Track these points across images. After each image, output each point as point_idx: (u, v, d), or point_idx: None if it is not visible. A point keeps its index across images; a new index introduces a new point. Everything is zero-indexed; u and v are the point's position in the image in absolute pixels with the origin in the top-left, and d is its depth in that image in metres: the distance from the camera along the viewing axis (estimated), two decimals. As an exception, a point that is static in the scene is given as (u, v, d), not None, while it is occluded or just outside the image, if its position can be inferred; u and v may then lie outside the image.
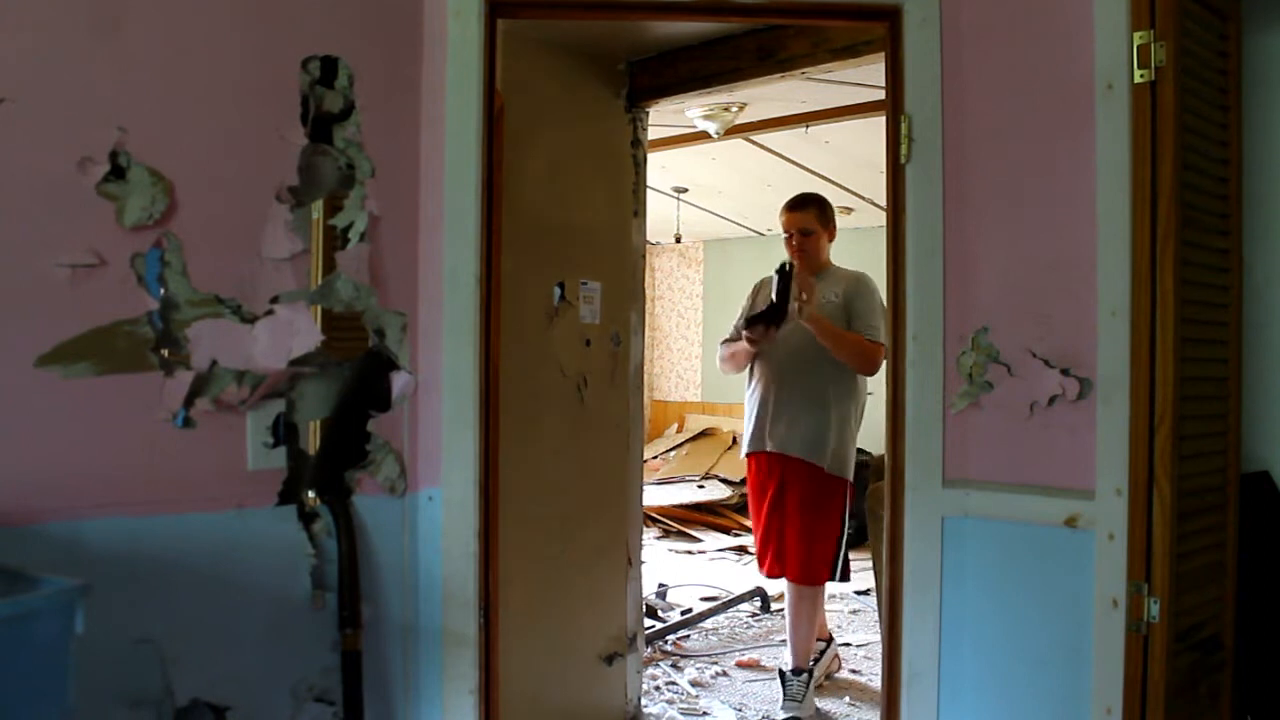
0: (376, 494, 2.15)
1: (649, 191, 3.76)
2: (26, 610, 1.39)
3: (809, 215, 3.69)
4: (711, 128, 4.70)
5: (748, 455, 3.74)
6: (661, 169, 6.22)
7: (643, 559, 3.80)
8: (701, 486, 7.55)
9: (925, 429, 2.18)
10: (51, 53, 1.74)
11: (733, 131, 4.87)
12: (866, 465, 4.21)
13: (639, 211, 3.60)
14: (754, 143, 5.51)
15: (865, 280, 3.63)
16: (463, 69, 2.19)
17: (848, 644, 4.47)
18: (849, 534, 3.61)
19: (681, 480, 7.69)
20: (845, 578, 3.69)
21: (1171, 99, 1.81)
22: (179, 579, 1.86)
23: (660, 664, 4.16)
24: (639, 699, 3.59)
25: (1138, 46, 1.84)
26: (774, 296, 3.48)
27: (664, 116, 4.31)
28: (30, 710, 1.39)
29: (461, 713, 2.18)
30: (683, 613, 4.80)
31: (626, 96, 3.52)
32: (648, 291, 3.83)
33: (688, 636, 4.56)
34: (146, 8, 1.85)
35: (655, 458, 8.29)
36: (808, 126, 4.81)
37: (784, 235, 3.70)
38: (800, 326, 3.46)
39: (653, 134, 3.86)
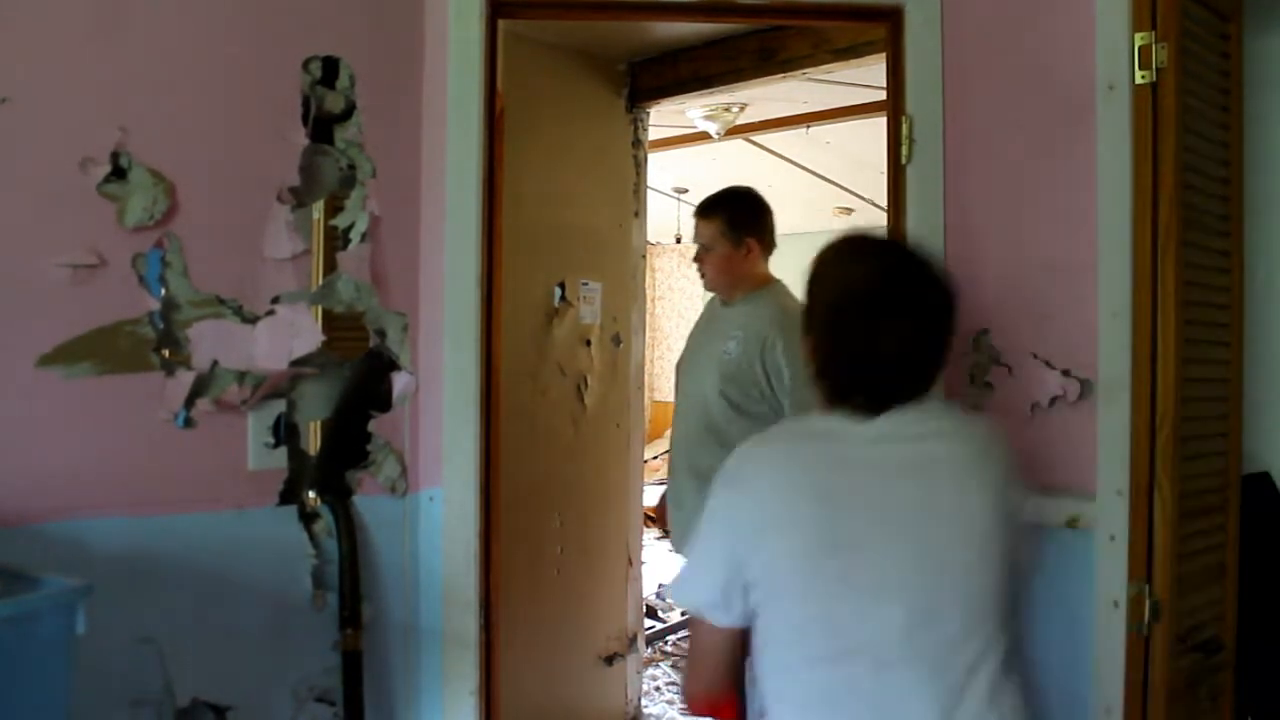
0: (377, 494, 2.15)
1: (649, 192, 3.77)
2: (28, 610, 1.39)
3: (711, 226, 2.77)
4: (712, 128, 4.70)
5: None
6: (662, 169, 6.22)
7: (643, 559, 3.80)
8: (701, 487, 7.53)
9: (926, 430, 2.17)
10: (51, 53, 1.74)
11: (733, 132, 4.87)
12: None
13: (639, 212, 3.60)
14: (755, 143, 5.52)
15: (790, 320, 2.37)
16: (464, 69, 2.18)
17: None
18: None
19: (682, 481, 7.66)
20: None
21: (1173, 100, 1.81)
22: (180, 579, 1.86)
23: (660, 664, 4.17)
24: (639, 700, 3.60)
25: (1139, 48, 1.84)
26: None
27: (665, 117, 4.31)
28: (31, 710, 1.39)
29: (462, 713, 2.18)
30: (683, 613, 4.81)
31: (627, 97, 3.52)
32: (648, 292, 3.82)
33: (688, 637, 4.56)
34: (147, 8, 1.85)
35: (655, 458, 8.28)
36: (809, 127, 4.80)
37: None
38: (696, 376, 2.75)
39: (653, 134, 3.87)
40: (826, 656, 1.39)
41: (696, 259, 2.82)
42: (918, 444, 1.43)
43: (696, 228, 2.83)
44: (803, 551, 1.40)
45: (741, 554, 1.42)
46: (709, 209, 2.82)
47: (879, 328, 1.41)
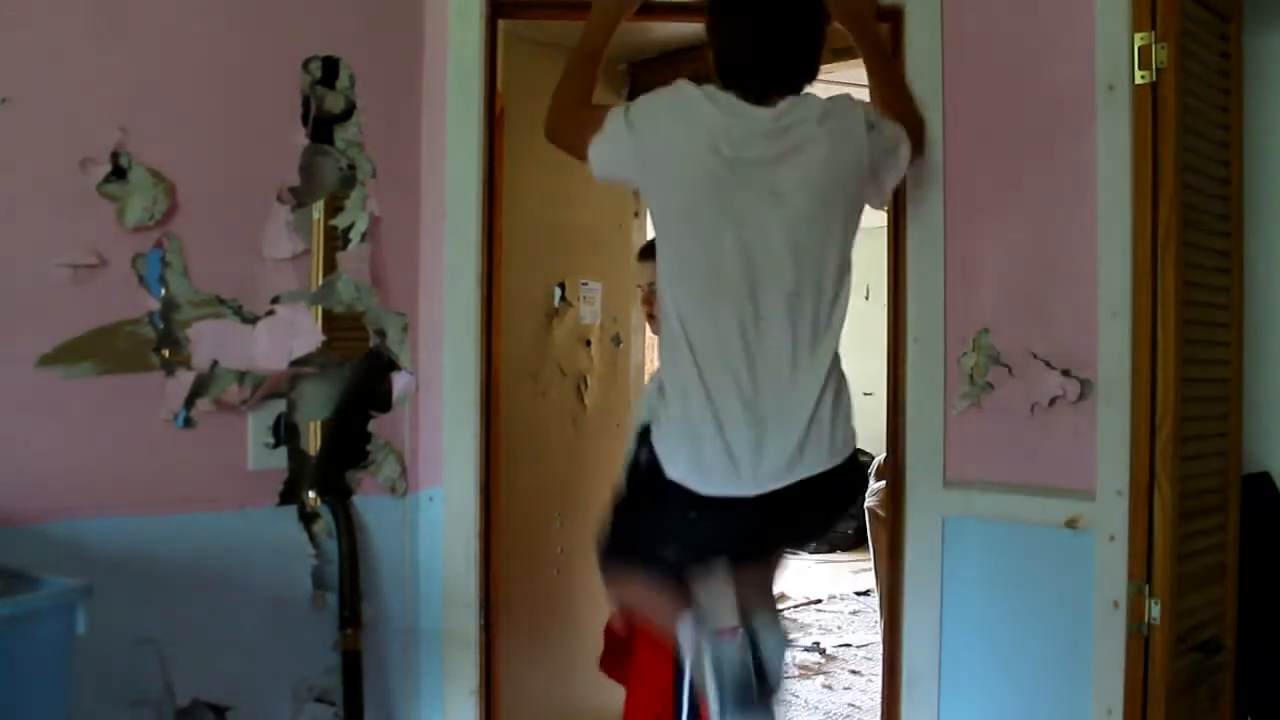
0: (377, 494, 2.15)
1: (650, 192, 3.76)
2: (28, 610, 1.39)
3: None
4: (712, 128, 4.69)
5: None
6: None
7: (643, 559, 3.79)
8: (701, 487, 7.52)
9: (926, 430, 2.17)
10: (51, 53, 1.74)
11: (733, 132, 4.86)
12: (865, 466, 4.21)
13: (639, 212, 3.60)
14: (754, 143, 5.51)
15: None
16: (464, 69, 2.19)
17: (848, 644, 4.47)
18: (849, 534, 3.53)
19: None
20: None
21: (1172, 100, 1.81)
22: (180, 579, 1.86)
23: (660, 664, 4.16)
24: (639, 699, 3.59)
25: (1139, 48, 1.84)
26: None
27: (664, 117, 4.31)
28: (31, 710, 1.40)
29: (462, 713, 2.18)
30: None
31: (628, 97, 3.52)
32: (648, 292, 3.81)
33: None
34: (147, 8, 1.85)
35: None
36: (808, 127, 4.79)
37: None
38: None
39: (653, 134, 3.86)
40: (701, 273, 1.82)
41: (646, 302, 2.45)
42: (783, 123, 1.84)
43: (647, 270, 2.33)
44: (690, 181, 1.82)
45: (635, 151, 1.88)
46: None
47: (746, 30, 1.84)
